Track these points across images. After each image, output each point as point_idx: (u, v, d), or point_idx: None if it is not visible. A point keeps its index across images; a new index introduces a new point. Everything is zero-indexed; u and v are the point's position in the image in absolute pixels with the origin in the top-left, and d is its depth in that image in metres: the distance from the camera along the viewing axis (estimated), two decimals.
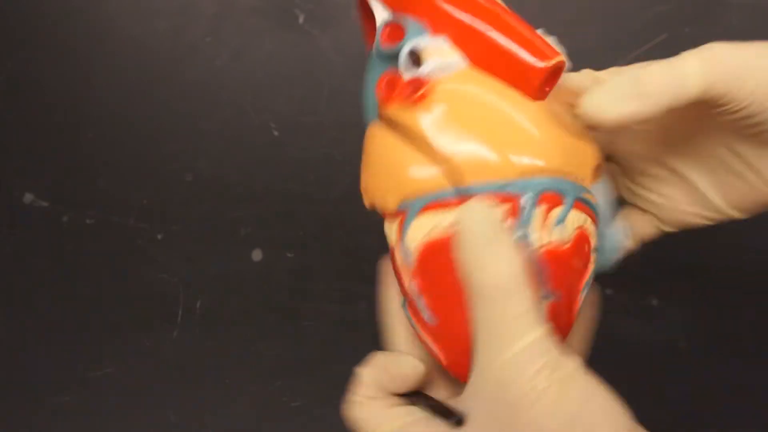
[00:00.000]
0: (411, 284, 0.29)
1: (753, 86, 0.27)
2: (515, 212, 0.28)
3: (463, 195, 0.28)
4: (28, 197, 0.55)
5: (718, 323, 0.52)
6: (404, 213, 0.29)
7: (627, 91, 0.28)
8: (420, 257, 0.29)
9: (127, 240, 0.54)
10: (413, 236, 0.29)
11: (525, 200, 0.27)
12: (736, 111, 0.28)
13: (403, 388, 0.31)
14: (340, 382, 0.51)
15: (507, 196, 0.28)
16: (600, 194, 0.32)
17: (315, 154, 0.56)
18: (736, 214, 0.34)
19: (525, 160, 0.28)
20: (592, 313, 0.34)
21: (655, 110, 0.28)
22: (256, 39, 0.58)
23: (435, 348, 0.30)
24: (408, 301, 0.30)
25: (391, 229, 0.31)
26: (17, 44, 0.59)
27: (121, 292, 0.53)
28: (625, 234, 0.33)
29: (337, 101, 0.57)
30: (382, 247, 0.54)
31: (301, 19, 0.58)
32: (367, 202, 0.31)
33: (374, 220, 0.55)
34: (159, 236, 0.54)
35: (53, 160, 0.56)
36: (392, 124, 0.30)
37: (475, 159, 0.28)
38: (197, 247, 0.54)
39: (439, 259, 0.28)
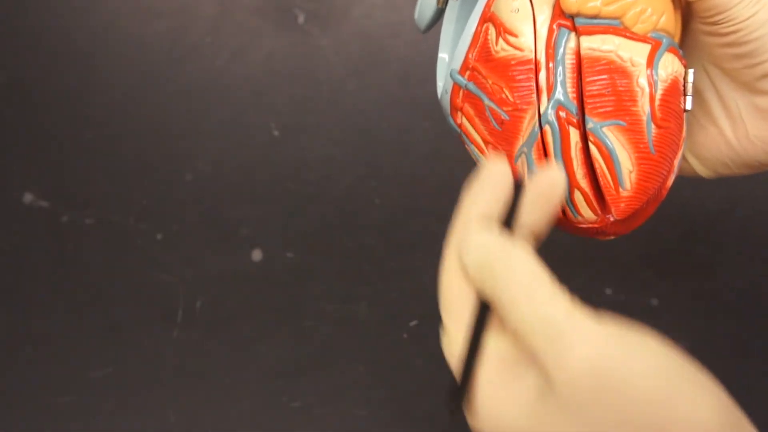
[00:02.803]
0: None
1: (751, 13, 0.29)
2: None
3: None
4: (28, 197, 0.55)
5: (718, 323, 0.52)
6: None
7: None
8: None
9: (127, 240, 0.54)
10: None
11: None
12: (726, 33, 0.30)
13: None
14: (340, 382, 0.51)
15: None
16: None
17: (315, 154, 0.56)
18: (692, 161, 0.36)
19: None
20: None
21: None
22: (256, 39, 0.58)
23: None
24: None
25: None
26: (17, 44, 0.59)
27: (121, 292, 0.53)
28: None
29: (337, 101, 0.57)
30: (383, 247, 0.54)
31: (301, 19, 0.58)
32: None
33: (374, 219, 0.55)
34: (159, 236, 0.54)
35: (53, 160, 0.56)
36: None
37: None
38: (197, 247, 0.54)
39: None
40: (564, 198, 0.31)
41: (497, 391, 0.28)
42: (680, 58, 0.32)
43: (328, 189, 0.55)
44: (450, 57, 0.37)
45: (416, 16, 0.38)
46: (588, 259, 0.52)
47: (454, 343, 0.30)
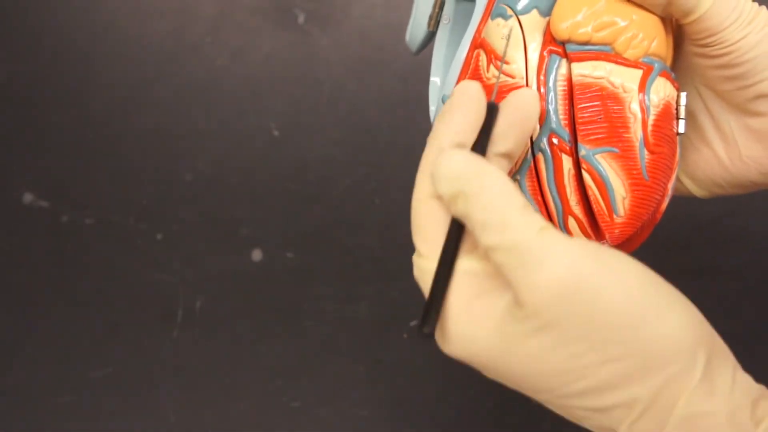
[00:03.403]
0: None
1: (742, 35, 0.30)
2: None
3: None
4: (28, 197, 0.55)
5: (718, 323, 0.52)
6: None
7: None
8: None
9: (127, 240, 0.54)
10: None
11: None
12: (718, 55, 0.31)
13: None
14: (340, 382, 0.51)
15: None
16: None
17: (315, 154, 0.56)
18: (686, 181, 0.36)
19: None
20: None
21: None
22: (256, 39, 0.58)
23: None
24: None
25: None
26: (17, 44, 0.59)
27: (121, 292, 0.53)
28: None
29: (337, 101, 0.57)
30: (383, 247, 0.54)
31: (301, 19, 0.58)
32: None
33: (374, 219, 0.55)
34: (159, 236, 0.54)
35: (53, 160, 0.56)
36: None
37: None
38: (197, 247, 0.54)
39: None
40: (536, 118, 0.31)
41: (468, 312, 0.28)
42: (672, 82, 0.32)
43: (328, 189, 0.55)
44: (442, 81, 0.37)
45: (408, 38, 0.38)
46: None
47: (427, 266, 0.30)
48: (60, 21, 0.59)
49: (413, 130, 0.56)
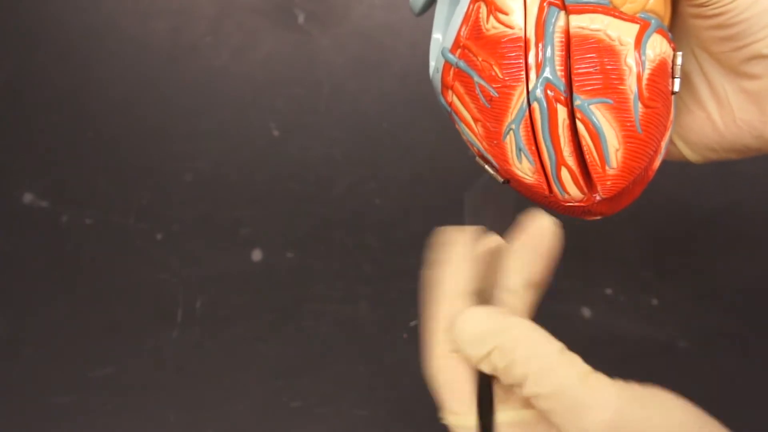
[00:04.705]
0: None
1: None
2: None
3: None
4: (28, 197, 0.55)
5: (718, 323, 0.52)
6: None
7: None
8: None
9: (127, 240, 0.54)
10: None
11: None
12: (713, 15, 0.31)
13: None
14: (340, 382, 0.51)
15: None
16: None
17: (315, 154, 0.56)
18: (680, 144, 0.36)
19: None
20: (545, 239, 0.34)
21: None
22: (256, 39, 0.58)
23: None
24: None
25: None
26: (17, 44, 0.59)
27: (121, 292, 0.53)
28: None
29: (337, 101, 0.57)
30: (383, 247, 0.54)
31: (301, 19, 0.58)
32: None
33: (374, 219, 0.55)
34: (159, 236, 0.54)
35: (53, 160, 0.56)
36: None
37: None
38: (197, 247, 0.54)
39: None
40: (555, 245, 0.32)
41: None
42: (669, 41, 0.32)
43: (328, 189, 0.55)
44: (443, 37, 0.37)
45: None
46: (588, 259, 0.52)
47: (466, 423, 0.30)
48: (60, 21, 0.59)
49: (413, 130, 0.56)
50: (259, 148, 0.56)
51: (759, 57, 0.31)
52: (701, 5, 0.31)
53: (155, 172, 0.56)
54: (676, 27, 0.34)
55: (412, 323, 0.51)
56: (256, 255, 0.54)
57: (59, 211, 0.55)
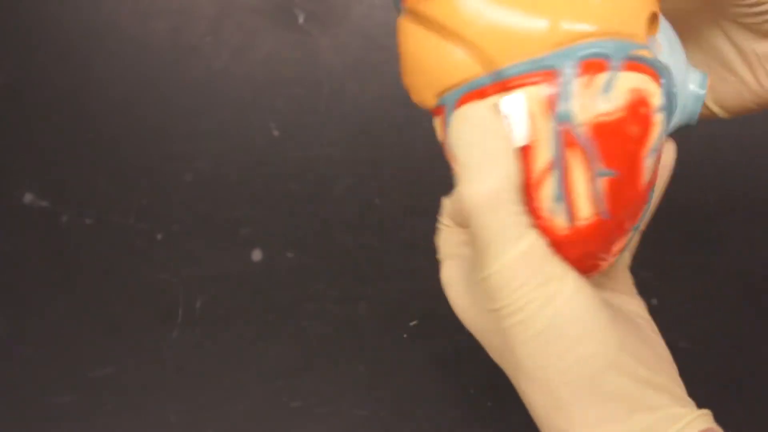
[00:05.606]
0: None
1: None
2: (553, 89, 0.26)
3: (497, 80, 0.26)
4: (28, 197, 0.55)
5: (718, 323, 0.52)
6: (443, 108, 0.28)
7: None
8: None
9: (127, 240, 0.54)
10: None
11: (563, 73, 0.25)
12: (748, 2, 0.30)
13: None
14: (340, 382, 0.51)
15: (544, 72, 0.26)
16: (666, 42, 0.29)
17: (315, 154, 0.56)
18: (716, 110, 0.36)
19: (559, 28, 0.25)
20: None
21: None
22: (256, 39, 0.58)
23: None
24: None
25: (437, 126, 0.30)
26: (17, 44, 0.59)
27: (121, 292, 0.53)
28: (699, 82, 0.31)
29: (337, 101, 0.57)
30: (383, 247, 0.54)
31: (301, 19, 0.58)
32: (414, 100, 0.30)
33: (374, 219, 0.55)
34: (159, 236, 0.54)
35: (53, 160, 0.56)
36: (415, 16, 0.28)
37: (503, 37, 0.26)
38: (197, 247, 0.54)
39: None
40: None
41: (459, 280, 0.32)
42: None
43: (328, 189, 0.55)
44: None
45: None
46: None
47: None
48: (60, 21, 0.59)
49: (413, 130, 0.56)
50: (259, 148, 0.56)
51: None
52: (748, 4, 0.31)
53: (155, 172, 0.56)
54: (700, 5, 0.34)
55: (412, 323, 0.51)
56: (256, 255, 0.54)
57: (59, 211, 0.55)
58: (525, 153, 0.27)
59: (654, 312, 0.52)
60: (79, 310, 0.52)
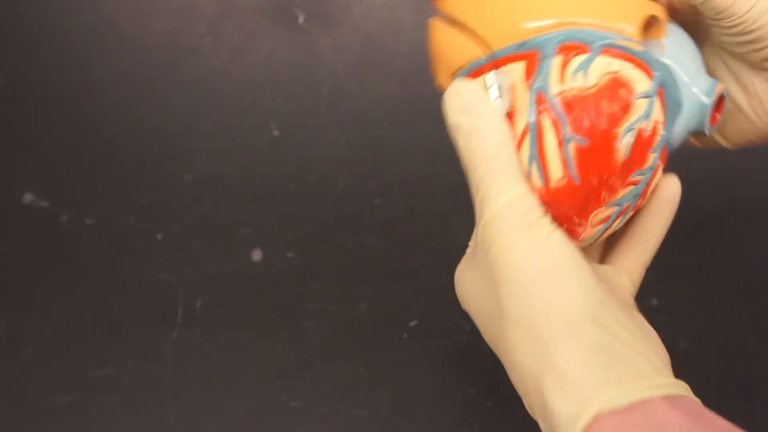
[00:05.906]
0: None
1: (749, 6, 0.31)
2: (533, 66, 0.31)
3: (491, 60, 0.32)
4: (28, 197, 0.55)
5: (718, 323, 0.52)
6: None
7: None
8: None
9: (127, 240, 0.54)
10: None
11: (543, 53, 0.31)
12: (730, 26, 0.32)
13: None
14: (340, 382, 0.51)
15: (528, 53, 0.31)
16: (674, 46, 0.33)
17: (315, 154, 0.56)
18: (720, 139, 0.38)
19: (546, 18, 0.31)
20: (662, 216, 0.37)
21: None
22: (256, 39, 0.58)
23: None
24: None
25: None
26: (17, 44, 0.59)
27: (121, 292, 0.53)
28: (705, 88, 0.33)
29: (337, 101, 0.57)
30: (383, 247, 0.54)
31: (301, 19, 0.58)
32: (436, 84, 0.35)
33: (374, 219, 0.55)
34: (159, 236, 0.54)
35: (53, 160, 0.56)
36: (439, 14, 0.35)
37: (498, 25, 0.32)
38: (197, 247, 0.54)
39: None
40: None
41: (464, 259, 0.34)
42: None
43: (328, 189, 0.55)
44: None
45: None
46: None
47: None
48: (60, 21, 0.59)
49: (413, 131, 0.56)
50: (259, 148, 0.56)
51: None
52: (718, 19, 0.33)
53: (155, 172, 0.56)
54: (701, 32, 0.36)
55: (412, 323, 0.51)
56: (256, 255, 0.54)
57: (59, 211, 0.55)
58: (509, 119, 0.31)
59: (654, 312, 0.52)
60: (79, 310, 0.52)
